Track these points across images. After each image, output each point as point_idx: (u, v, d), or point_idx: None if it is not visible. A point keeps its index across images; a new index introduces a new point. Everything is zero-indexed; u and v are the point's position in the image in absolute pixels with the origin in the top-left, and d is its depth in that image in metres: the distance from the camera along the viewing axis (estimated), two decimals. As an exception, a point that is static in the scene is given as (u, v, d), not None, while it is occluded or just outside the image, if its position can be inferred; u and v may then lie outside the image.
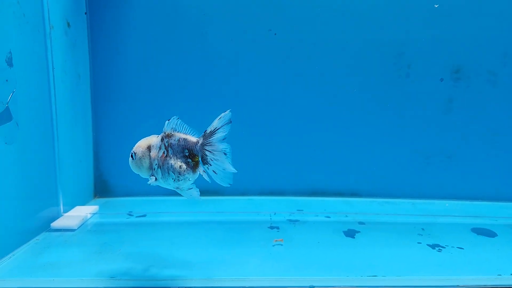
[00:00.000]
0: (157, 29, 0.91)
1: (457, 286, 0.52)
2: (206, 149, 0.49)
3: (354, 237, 0.68)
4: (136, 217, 0.78)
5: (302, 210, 0.85)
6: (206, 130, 0.49)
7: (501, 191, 0.92)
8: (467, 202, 0.92)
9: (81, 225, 0.71)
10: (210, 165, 0.49)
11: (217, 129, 0.48)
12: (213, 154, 0.49)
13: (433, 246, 0.64)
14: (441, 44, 0.90)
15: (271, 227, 0.73)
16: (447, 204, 0.90)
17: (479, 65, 0.91)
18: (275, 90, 0.94)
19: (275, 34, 0.92)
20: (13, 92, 0.60)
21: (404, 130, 0.93)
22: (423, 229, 0.73)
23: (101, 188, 0.93)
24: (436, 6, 0.86)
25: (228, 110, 0.49)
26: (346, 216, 0.81)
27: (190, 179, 0.49)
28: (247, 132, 0.94)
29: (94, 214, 0.77)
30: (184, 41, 0.91)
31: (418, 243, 0.66)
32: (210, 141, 0.49)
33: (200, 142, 0.49)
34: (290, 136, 0.94)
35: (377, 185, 0.95)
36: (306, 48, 0.92)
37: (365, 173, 0.95)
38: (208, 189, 0.96)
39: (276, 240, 0.64)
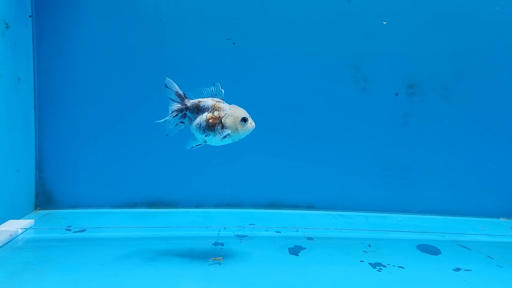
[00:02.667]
0: (111, 34, 0.87)
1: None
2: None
3: (298, 255, 0.66)
4: (74, 232, 0.74)
5: (254, 224, 0.82)
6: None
7: (453, 205, 0.94)
8: (420, 216, 0.92)
9: (8, 241, 0.66)
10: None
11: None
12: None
13: (374, 265, 0.63)
14: (396, 60, 0.91)
15: (216, 244, 0.70)
16: (400, 218, 0.90)
17: (433, 80, 0.92)
18: (232, 99, 0.92)
19: (234, 43, 0.90)
20: None
21: (361, 143, 0.93)
22: (369, 245, 0.72)
23: (44, 199, 0.88)
24: (385, 23, 0.87)
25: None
26: (297, 231, 0.79)
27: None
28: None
29: (27, 229, 0.72)
30: (139, 47, 0.88)
31: (360, 261, 0.65)
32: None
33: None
34: (247, 147, 0.92)
35: (333, 198, 0.94)
36: (265, 58, 0.91)
37: (322, 185, 0.94)
38: (161, 201, 0.93)
39: (214, 259, 0.62)
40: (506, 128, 0.92)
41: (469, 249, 0.72)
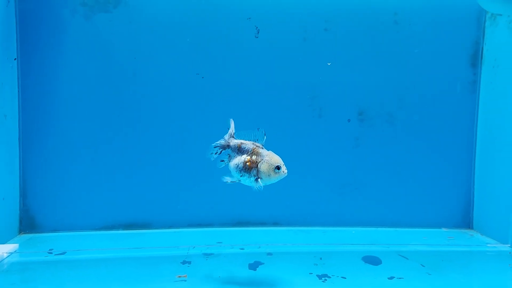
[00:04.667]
0: (90, 72, 0.96)
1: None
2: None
3: (256, 270, 0.75)
4: (55, 255, 0.81)
5: (221, 242, 0.91)
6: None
7: (401, 218, 1.05)
8: (372, 229, 1.03)
9: (-6, 266, 0.73)
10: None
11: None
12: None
13: (320, 276, 0.73)
14: (348, 90, 1.03)
15: (184, 262, 0.79)
16: (353, 231, 1.01)
17: (379, 108, 1.04)
18: (203, 130, 1.01)
19: (203, 77, 1.01)
20: None
21: (319, 163, 1.04)
22: (321, 258, 0.82)
23: (28, 224, 0.95)
24: (329, 64, 0.99)
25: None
26: (259, 247, 0.88)
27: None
28: (175, 165, 1.01)
29: (12, 253, 0.79)
30: (115, 82, 0.98)
31: (309, 273, 0.74)
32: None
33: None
34: (218, 170, 1.01)
35: (295, 215, 1.04)
36: (231, 90, 1.01)
37: (286, 203, 1.04)
38: (136, 223, 1.01)
39: (179, 276, 0.70)
40: (442, 147, 1.04)
41: (407, 259, 0.83)
